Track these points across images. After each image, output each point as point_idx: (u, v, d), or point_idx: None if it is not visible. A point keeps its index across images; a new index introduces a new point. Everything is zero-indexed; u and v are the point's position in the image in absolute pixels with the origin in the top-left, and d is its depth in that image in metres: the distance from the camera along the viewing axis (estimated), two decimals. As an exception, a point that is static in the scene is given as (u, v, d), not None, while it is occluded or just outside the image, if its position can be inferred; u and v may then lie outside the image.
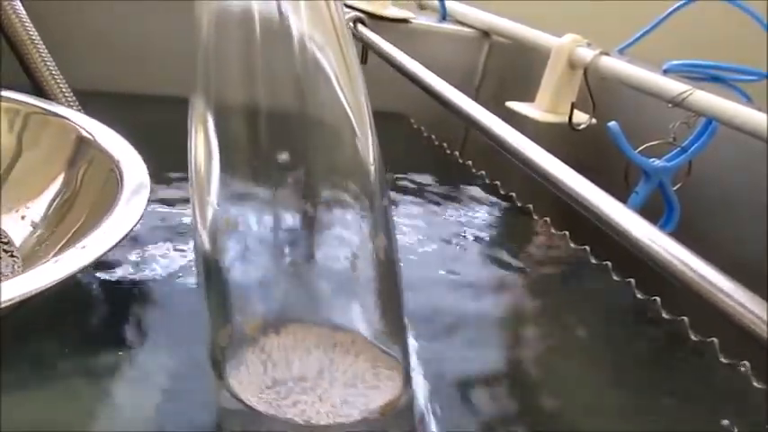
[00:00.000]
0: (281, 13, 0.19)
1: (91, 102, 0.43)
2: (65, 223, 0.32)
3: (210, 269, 0.22)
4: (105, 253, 0.25)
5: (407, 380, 0.24)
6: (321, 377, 0.22)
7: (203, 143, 0.21)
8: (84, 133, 0.35)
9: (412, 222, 0.45)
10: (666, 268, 0.18)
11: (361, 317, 0.23)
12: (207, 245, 0.21)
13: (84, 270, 0.24)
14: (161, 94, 0.52)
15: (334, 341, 0.22)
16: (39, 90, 0.42)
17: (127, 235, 0.26)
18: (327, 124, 0.21)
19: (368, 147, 0.21)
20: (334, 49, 0.20)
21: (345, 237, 0.21)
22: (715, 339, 0.35)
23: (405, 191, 0.50)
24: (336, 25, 0.20)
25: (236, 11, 0.19)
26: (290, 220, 0.21)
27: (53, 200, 0.33)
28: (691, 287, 0.17)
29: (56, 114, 0.37)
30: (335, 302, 0.22)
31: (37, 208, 0.33)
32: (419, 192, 0.50)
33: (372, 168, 0.21)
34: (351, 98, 0.20)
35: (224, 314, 0.22)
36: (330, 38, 0.20)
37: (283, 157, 0.20)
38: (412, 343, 0.31)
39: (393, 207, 0.47)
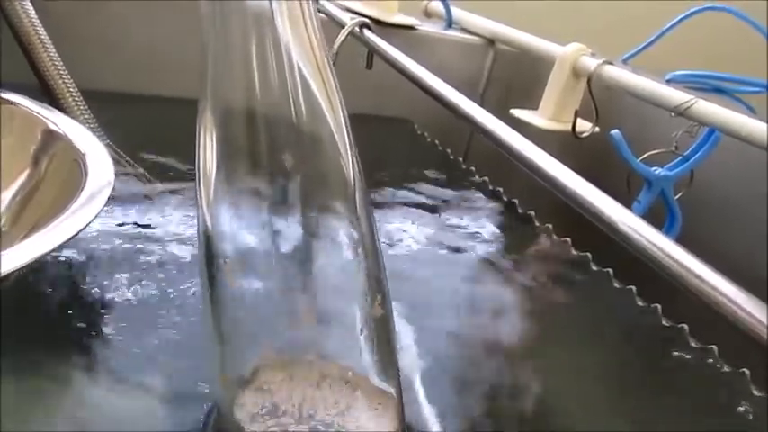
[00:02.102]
0: (273, 23, 0.19)
1: (98, 102, 0.43)
2: (25, 216, 0.31)
3: (213, 294, 0.22)
4: (46, 254, 0.24)
5: (401, 415, 0.24)
6: (321, 412, 0.22)
7: (210, 147, 0.21)
8: (52, 126, 0.34)
9: (413, 227, 0.45)
10: (668, 271, 0.18)
11: (354, 351, 0.23)
12: (211, 261, 0.22)
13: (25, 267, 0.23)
14: (169, 96, 0.52)
15: (330, 375, 0.22)
16: (46, 89, 0.42)
17: (75, 235, 0.25)
18: (314, 141, 0.21)
19: (350, 167, 0.21)
20: (312, 65, 0.20)
21: (331, 266, 0.22)
22: (715, 347, 0.35)
23: (407, 195, 0.50)
24: (313, 41, 0.20)
25: (237, 16, 0.20)
26: (282, 246, 0.21)
27: (16, 192, 0.33)
28: (691, 290, 0.17)
29: (22, 107, 0.36)
30: (329, 337, 0.22)
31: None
32: (422, 196, 0.50)
33: (357, 191, 0.21)
34: (333, 119, 0.21)
35: (227, 346, 0.22)
36: (308, 54, 0.20)
37: (274, 171, 0.21)
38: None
39: (395, 209, 0.47)
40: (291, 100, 0.20)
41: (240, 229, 0.21)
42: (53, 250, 0.24)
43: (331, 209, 0.21)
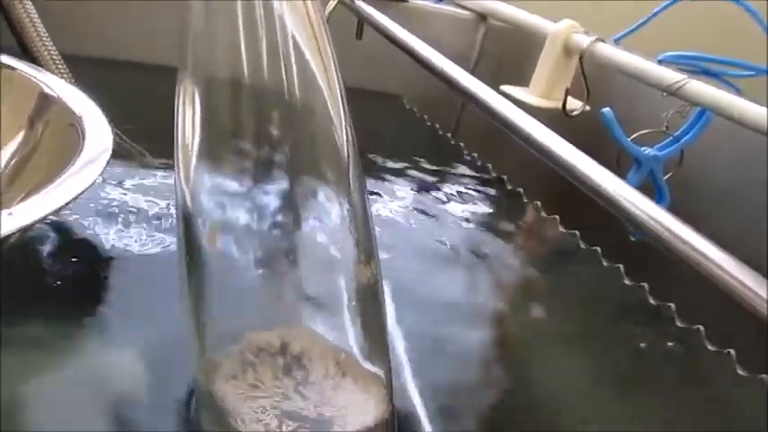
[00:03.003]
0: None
1: (80, 67, 0.42)
2: (21, 179, 0.31)
3: (193, 271, 0.21)
4: (50, 214, 0.24)
5: (390, 398, 0.23)
6: (309, 394, 0.21)
7: (190, 117, 0.20)
8: (47, 90, 0.34)
9: (402, 203, 0.45)
10: (667, 245, 0.17)
11: (342, 326, 0.22)
12: (190, 234, 0.21)
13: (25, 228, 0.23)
14: (150, 62, 0.51)
15: (317, 352, 0.21)
16: (26, 52, 0.41)
17: (74, 199, 0.25)
18: (306, 112, 0.20)
19: (343, 139, 0.21)
20: (307, 34, 0.19)
21: (322, 245, 0.21)
22: (701, 326, 0.35)
23: (396, 171, 0.50)
24: (308, 7, 0.19)
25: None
26: (268, 218, 0.21)
27: (12, 156, 0.32)
28: (691, 264, 0.17)
29: (18, 70, 0.35)
30: (317, 312, 0.22)
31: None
32: (410, 172, 0.50)
33: (350, 163, 0.21)
34: (327, 89, 0.20)
35: (208, 325, 0.22)
36: (303, 20, 0.19)
37: (262, 142, 0.20)
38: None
39: (384, 185, 0.47)
40: (284, 68, 0.19)
41: (222, 201, 0.20)
42: (52, 213, 0.24)
43: (322, 180, 0.20)
